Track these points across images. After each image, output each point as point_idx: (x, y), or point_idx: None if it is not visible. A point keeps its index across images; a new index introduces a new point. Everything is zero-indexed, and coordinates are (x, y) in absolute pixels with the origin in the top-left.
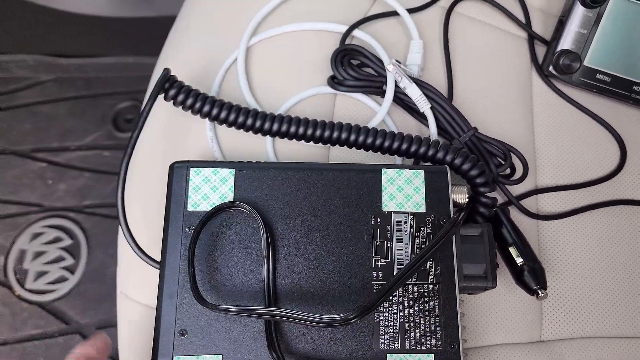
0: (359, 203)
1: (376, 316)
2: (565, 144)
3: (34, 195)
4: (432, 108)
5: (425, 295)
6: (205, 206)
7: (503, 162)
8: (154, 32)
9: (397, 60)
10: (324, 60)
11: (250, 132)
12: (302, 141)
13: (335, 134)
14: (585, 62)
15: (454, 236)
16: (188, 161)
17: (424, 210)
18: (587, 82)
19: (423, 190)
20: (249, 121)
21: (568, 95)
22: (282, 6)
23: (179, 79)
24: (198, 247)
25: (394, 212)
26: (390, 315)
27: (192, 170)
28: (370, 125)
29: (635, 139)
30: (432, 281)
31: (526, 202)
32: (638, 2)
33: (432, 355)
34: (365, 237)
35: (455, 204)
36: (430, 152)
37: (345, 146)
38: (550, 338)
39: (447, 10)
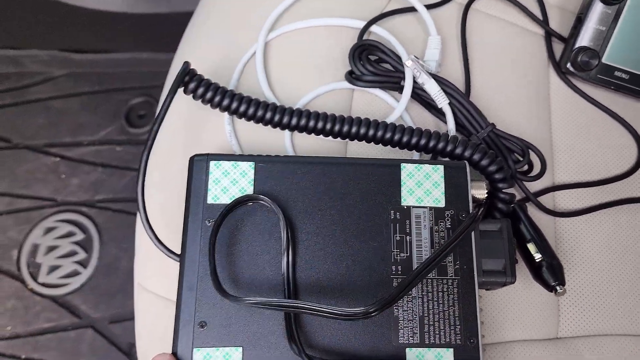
0: (378, 197)
1: (395, 310)
2: (582, 141)
3: (47, 189)
4: (450, 104)
5: (445, 289)
6: (225, 199)
7: (521, 159)
8: (167, 28)
9: (415, 56)
10: (342, 56)
11: (269, 126)
12: (321, 136)
13: (354, 129)
14: (604, 59)
15: (473, 231)
16: (208, 154)
17: (443, 205)
18: (605, 79)
19: (442, 185)
20: (269, 115)
21: (585, 93)
22: (299, 3)
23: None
24: (217, 240)
25: (413, 207)
26: (410, 309)
27: (212, 163)
28: (388, 121)
29: None
30: (452, 276)
31: (543, 199)
32: None
33: (452, 349)
34: (385, 231)
35: (474, 199)
36: (449, 148)
37: (364, 141)
38: (567, 335)
39: (464, 6)
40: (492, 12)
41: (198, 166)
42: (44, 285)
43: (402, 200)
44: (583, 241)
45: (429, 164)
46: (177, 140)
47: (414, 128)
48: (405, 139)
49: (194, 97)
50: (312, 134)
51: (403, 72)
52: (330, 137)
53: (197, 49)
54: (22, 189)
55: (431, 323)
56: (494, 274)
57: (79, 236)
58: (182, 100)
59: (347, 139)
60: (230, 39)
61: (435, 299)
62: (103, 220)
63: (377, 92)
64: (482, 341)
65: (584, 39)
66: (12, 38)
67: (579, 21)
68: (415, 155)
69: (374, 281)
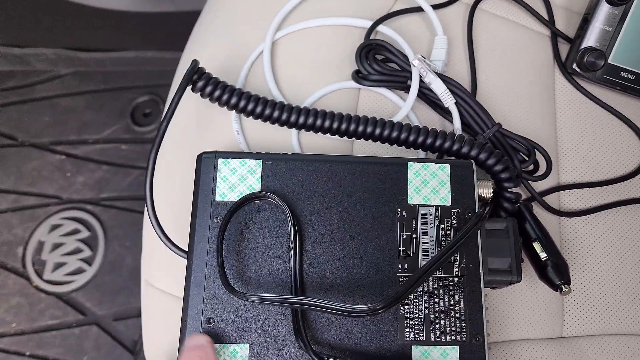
0: (384, 196)
1: (401, 308)
2: (588, 141)
3: (52, 187)
4: (456, 103)
5: (451, 288)
6: (233, 196)
7: (527, 158)
8: (173, 27)
9: (422, 56)
10: (348, 55)
11: (276, 124)
12: (328, 134)
13: (361, 128)
14: (610, 60)
15: (479, 230)
16: (216, 152)
17: (450, 204)
18: (611, 79)
19: (448, 184)
20: (276, 113)
21: (591, 93)
22: (306, 2)
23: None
24: (225, 237)
25: (420, 205)
26: (416, 307)
27: (220, 161)
28: (394, 120)
29: None
30: (458, 274)
31: (548, 199)
32: None
33: (457, 347)
34: (391, 229)
35: (480, 198)
36: (456, 147)
37: (371, 140)
38: (572, 334)
39: (471, 6)
40: (498, 12)
41: (206, 164)
42: (49, 282)
43: (408, 198)
44: (588, 241)
45: (436, 162)
46: (184, 138)
47: (421, 127)
48: (411, 138)
49: (202, 96)
50: (319, 133)
51: (409, 72)
52: (337, 136)
53: (205, 48)
54: (28, 187)
55: (437, 321)
56: (499, 273)
57: (84, 234)
58: (190, 99)
59: (353, 138)
60: (237, 37)
61: (441, 297)
62: (108, 218)
63: (384, 91)
64: (487, 339)
65: (590, 40)
66: (18, 36)
67: (585, 22)
68: (421, 154)
69: (380, 279)
